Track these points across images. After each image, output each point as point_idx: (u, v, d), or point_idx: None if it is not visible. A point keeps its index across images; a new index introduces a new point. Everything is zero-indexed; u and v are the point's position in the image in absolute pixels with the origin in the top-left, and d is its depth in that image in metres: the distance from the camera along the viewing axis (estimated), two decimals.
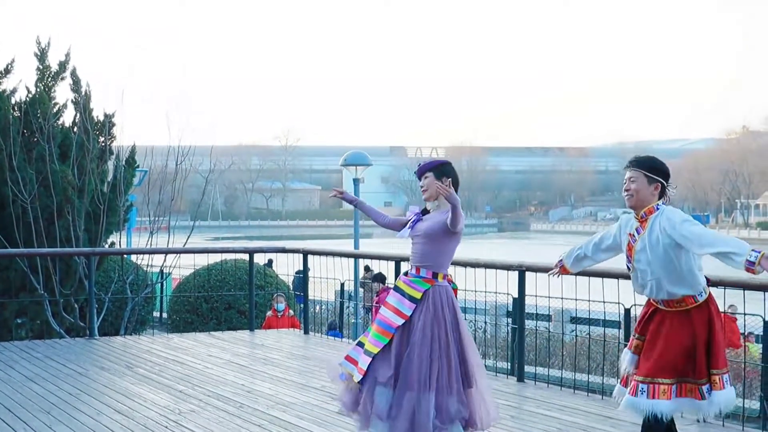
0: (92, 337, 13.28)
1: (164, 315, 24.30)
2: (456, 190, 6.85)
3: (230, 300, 19.47)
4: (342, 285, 17.09)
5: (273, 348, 12.27)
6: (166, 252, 17.16)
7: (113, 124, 18.00)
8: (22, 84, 17.35)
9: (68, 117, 17.81)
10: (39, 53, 17.51)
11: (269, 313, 17.68)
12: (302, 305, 14.55)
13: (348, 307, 21.33)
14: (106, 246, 17.58)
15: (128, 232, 24.29)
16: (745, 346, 15.00)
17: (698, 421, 7.66)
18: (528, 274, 9.74)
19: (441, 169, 7.06)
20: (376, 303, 16.92)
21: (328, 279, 14.21)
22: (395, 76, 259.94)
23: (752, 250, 5.56)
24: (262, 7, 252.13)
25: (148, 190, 19.22)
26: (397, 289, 6.94)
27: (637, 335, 6.19)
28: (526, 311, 10.03)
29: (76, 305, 16.51)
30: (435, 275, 6.87)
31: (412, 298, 6.81)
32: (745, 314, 8.91)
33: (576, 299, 9.29)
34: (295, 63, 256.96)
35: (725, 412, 6.03)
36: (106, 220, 17.28)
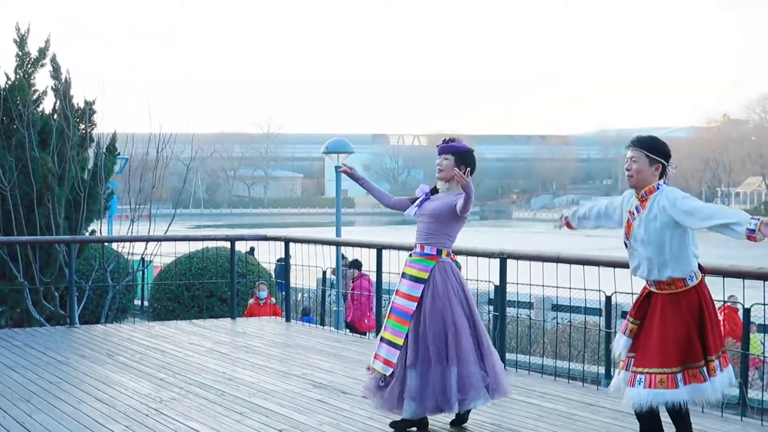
0: (73, 325, 13.24)
1: (145, 303, 24.24)
2: (472, 173, 6.98)
3: (212, 288, 19.44)
4: (324, 273, 17.09)
5: (254, 336, 12.26)
6: (147, 240, 17.11)
7: (93, 112, 17.92)
8: (1, 71, 17.25)
9: (48, 104, 17.74)
10: (18, 40, 17.39)
11: (251, 300, 17.66)
12: (284, 293, 14.53)
13: (330, 294, 21.32)
14: (87, 234, 17.52)
15: (109, 220, 24.25)
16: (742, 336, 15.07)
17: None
18: (509, 262, 9.74)
19: (463, 157, 7.21)
20: (352, 290, 16.95)
21: (310, 267, 14.19)
22: (377, 64, 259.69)
23: (751, 218, 5.63)
24: None
25: (129, 178, 19.17)
26: (404, 275, 7.20)
27: (631, 319, 6.21)
28: (508, 299, 10.04)
29: (56, 293, 16.46)
30: (439, 252, 7.12)
31: (419, 279, 7.06)
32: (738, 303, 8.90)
33: (557, 287, 9.30)
34: (277, 51, 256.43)
35: (726, 396, 6.06)
36: (87, 207, 17.21)
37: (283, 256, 14.26)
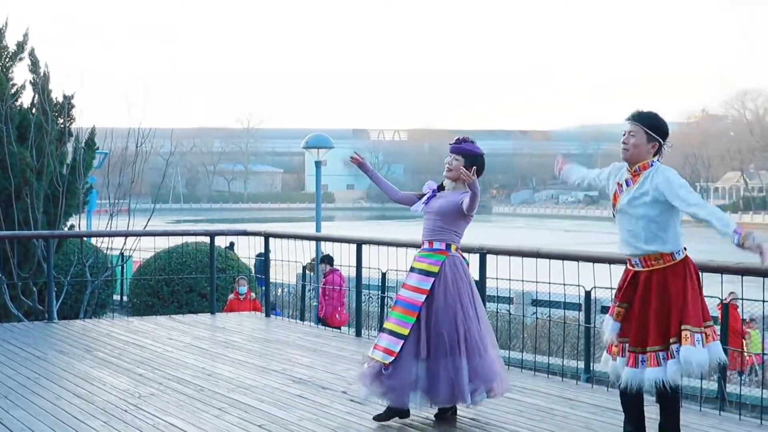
0: (51, 320, 13.19)
1: (124, 298, 24.18)
2: (480, 175, 7.09)
3: (191, 283, 19.40)
4: (304, 268, 17.08)
5: (234, 331, 12.23)
6: (126, 235, 17.06)
7: (72, 106, 17.84)
8: None
9: (26, 98, 17.66)
10: None
11: (231, 296, 17.63)
12: (264, 288, 14.51)
13: (310, 290, 21.29)
14: (66, 229, 17.45)
15: (88, 215, 24.13)
16: (746, 332, 15.14)
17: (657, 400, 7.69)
18: (489, 257, 9.75)
19: (473, 160, 7.32)
20: (324, 284, 16.95)
21: (290, 262, 14.17)
22: (357, 59, 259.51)
23: (735, 231, 5.65)
24: None
25: (108, 173, 19.11)
26: (413, 269, 7.29)
27: (618, 302, 6.21)
28: (487, 294, 10.04)
29: (34, 288, 16.37)
30: (448, 246, 7.22)
31: (429, 273, 7.15)
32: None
33: (537, 282, 9.31)
34: (258, 46, 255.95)
35: (698, 371, 6.03)
36: (66, 202, 17.14)
37: (262, 251, 14.24)
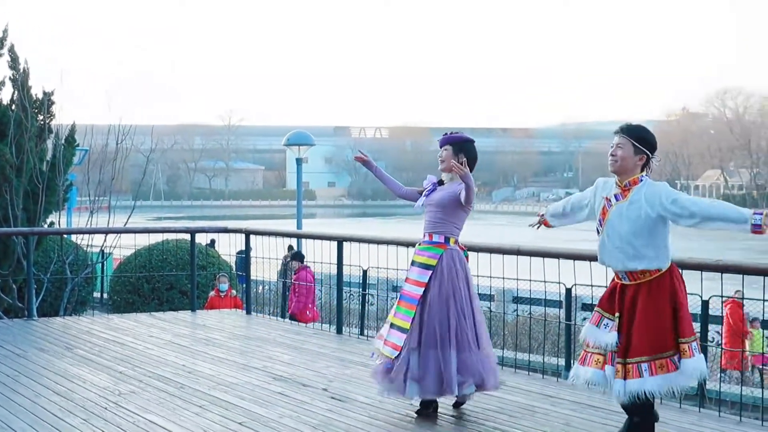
0: (31, 317, 13.13)
1: (105, 295, 24.09)
2: (473, 168, 7.20)
3: (172, 280, 19.34)
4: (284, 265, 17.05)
5: (215, 328, 12.20)
6: (107, 232, 17.00)
7: (52, 102, 17.77)
8: None
9: (6, 94, 17.57)
10: None
11: (212, 293, 17.58)
12: (245, 285, 14.47)
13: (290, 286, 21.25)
14: (45, 226, 17.38)
15: (68, 212, 24.06)
16: (748, 331, 15.15)
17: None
18: (470, 254, 9.72)
19: (461, 146, 7.39)
20: (295, 280, 16.96)
21: (271, 259, 14.14)
22: (339, 57, 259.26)
23: (754, 213, 5.72)
24: None
25: (88, 170, 19.04)
26: (414, 263, 7.41)
27: (607, 314, 6.19)
28: None
29: (14, 286, 16.31)
30: (447, 239, 7.30)
31: (427, 266, 7.25)
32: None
33: (517, 279, 9.32)
34: (240, 43, 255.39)
35: (699, 380, 6.09)
36: (45, 199, 17.07)
37: (243, 248, 14.21)
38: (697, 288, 8.01)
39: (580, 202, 6.56)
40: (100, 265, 21.24)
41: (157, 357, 9.98)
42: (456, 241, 7.37)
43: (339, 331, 11.77)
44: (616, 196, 6.14)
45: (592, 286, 8.68)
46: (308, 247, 18.56)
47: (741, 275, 7.26)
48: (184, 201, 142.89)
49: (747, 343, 17.56)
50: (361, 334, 12.00)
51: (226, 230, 14.60)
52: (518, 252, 9.07)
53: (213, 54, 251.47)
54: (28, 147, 16.70)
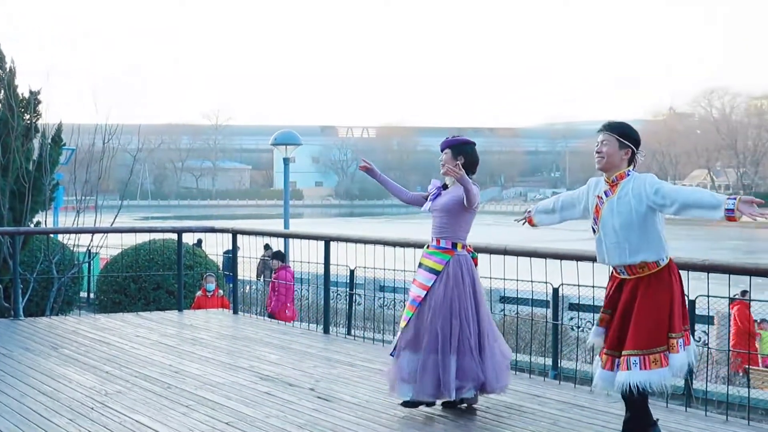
0: (17, 317, 13.09)
1: (91, 295, 24.03)
2: (474, 170, 7.38)
3: (159, 280, 19.29)
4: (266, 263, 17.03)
5: (201, 328, 12.19)
6: (93, 231, 16.96)
7: (39, 102, 17.71)
8: None
9: None
10: None
11: (199, 293, 17.55)
12: (232, 285, 14.45)
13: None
14: (32, 225, 17.32)
15: (55, 212, 24.01)
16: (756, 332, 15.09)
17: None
18: None
19: (458, 148, 7.48)
20: (275, 279, 16.98)
21: (258, 259, 14.13)
22: (326, 57, 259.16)
23: (728, 198, 5.75)
24: None
25: (74, 169, 19.00)
26: (421, 265, 7.47)
27: (603, 309, 6.29)
28: None
29: (0, 285, 16.25)
30: (455, 245, 7.36)
31: (433, 270, 7.31)
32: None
33: (504, 279, 9.32)
34: (227, 42, 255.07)
35: (682, 375, 6.17)
36: (32, 199, 17.02)
37: (230, 248, 14.19)
38: (684, 288, 8.03)
39: (571, 201, 6.61)
40: (87, 264, 21.20)
41: (143, 357, 9.96)
42: (464, 246, 7.44)
43: (326, 330, 11.76)
44: (605, 192, 6.21)
45: (578, 286, 8.69)
46: (295, 247, 18.57)
47: (727, 275, 7.28)
48: (171, 200, 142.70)
49: (758, 344, 17.49)
50: (348, 333, 12.01)
51: (213, 230, 14.58)
52: (505, 252, 9.07)
53: (200, 53, 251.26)
54: (14, 146, 16.64)
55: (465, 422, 7.18)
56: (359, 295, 19.17)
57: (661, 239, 6.09)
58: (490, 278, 9.57)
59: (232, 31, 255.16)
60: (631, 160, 6.21)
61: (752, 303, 15.80)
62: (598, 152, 6.21)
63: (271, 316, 16.34)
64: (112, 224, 17.28)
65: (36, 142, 17.90)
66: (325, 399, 7.87)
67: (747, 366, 16.01)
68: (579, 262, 8.36)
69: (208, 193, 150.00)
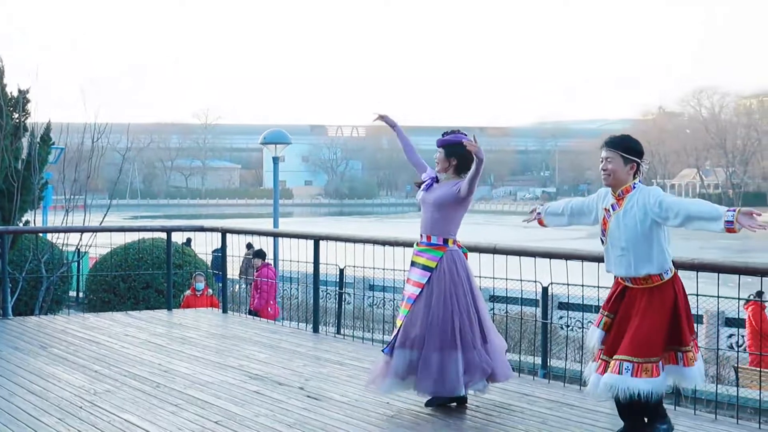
0: (6, 317, 13.05)
1: (80, 294, 23.98)
2: (468, 166, 7.27)
3: (148, 279, 19.26)
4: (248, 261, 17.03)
5: (191, 327, 12.17)
6: (82, 230, 16.92)
7: (27, 101, 17.67)
8: None
9: None
10: None
11: (188, 292, 17.52)
12: (221, 284, 14.44)
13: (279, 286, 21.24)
14: (21, 224, 17.28)
15: (44, 211, 23.96)
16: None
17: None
18: None
19: (452, 149, 7.44)
20: (257, 277, 17.00)
21: (241, 257, 14.12)
22: (315, 56, 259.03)
23: (728, 210, 5.79)
24: None
25: (63, 168, 18.96)
26: (414, 264, 7.45)
27: (606, 312, 6.32)
28: None
29: None
30: (446, 241, 7.35)
31: (427, 267, 7.30)
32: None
33: (494, 278, 9.32)
34: (216, 41, 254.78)
35: (699, 386, 6.22)
36: (21, 198, 16.98)
37: (219, 247, 14.17)
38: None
39: (582, 208, 6.62)
40: (76, 264, 21.16)
41: (132, 356, 9.95)
42: (455, 241, 7.43)
43: (315, 329, 11.75)
44: (612, 206, 6.26)
45: (568, 284, 8.70)
46: (285, 246, 18.58)
47: (716, 274, 7.29)
48: (160, 200, 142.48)
49: None
50: (338, 332, 12.00)
51: (202, 229, 14.56)
52: (494, 250, 9.07)
53: (189, 52, 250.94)
54: (3, 145, 16.61)
55: (454, 421, 7.19)
56: (349, 294, 19.18)
57: (665, 252, 6.13)
58: (480, 277, 9.56)
59: (223, 30, 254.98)
60: (637, 173, 6.22)
61: (721, 300, 15.76)
62: (604, 170, 6.23)
63: (254, 313, 16.36)
64: (101, 223, 17.24)
65: (25, 141, 17.86)
66: (314, 398, 7.87)
67: (736, 365, 16.01)
68: (568, 261, 8.37)
69: (198, 192, 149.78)
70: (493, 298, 19.56)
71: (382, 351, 7.41)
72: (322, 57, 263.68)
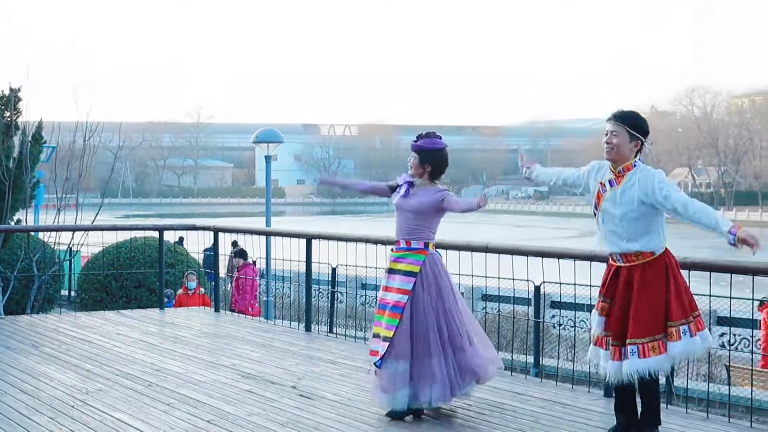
0: None
1: (72, 293, 23.95)
2: (442, 172, 7.28)
3: (140, 278, 19.24)
4: (254, 263, 17.02)
5: (183, 326, 12.16)
6: (74, 229, 16.90)
7: (19, 99, 17.64)
8: None
9: None
10: None
11: (180, 291, 17.51)
12: (213, 283, 14.42)
13: (260, 285, 21.22)
14: (12, 223, 17.25)
15: (35, 209, 23.91)
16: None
17: (605, 394, 7.75)
18: (439, 251, 9.72)
19: (425, 156, 7.31)
20: (237, 278, 16.99)
21: (227, 256, 14.11)
22: (308, 54, 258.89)
23: (730, 231, 5.74)
24: None
25: (55, 167, 18.94)
26: (392, 271, 7.27)
27: (602, 297, 6.30)
28: None
29: None
30: (426, 245, 7.24)
31: (411, 273, 7.16)
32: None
33: (486, 276, 9.32)
34: (209, 40, 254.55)
35: (684, 361, 6.27)
36: (12, 197, 16.95)
37: (211, 246, 14.16)
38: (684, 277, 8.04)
39: (573, 180, 6.53)
40: (68, 262, 21.14)
41: (125, 355, 9.94)
42: (433, 246, 7.36)
43: (308, 328, 11.75)
44: (610, 182, 6.20)
45: (560, 283, 8.70)
46: (277, 245, 18.58)
47: (708, 272, 7.30)
48: (152, 199, 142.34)
49: None
50: (330, 331, 11.99)
51: (194, 228, 14.54)
52: (487, 249, 9.07)
53: (182, 51, 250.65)
54: None
55: (447, 420, 7.18)
56: (341, 293, 19.16)
57: (660, 233, 6.12)
58: (472, 276, 9.58)
59: (215, 29, 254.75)
60: (639, 151, 6.18)
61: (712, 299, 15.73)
62: (607, 143, 6.15)
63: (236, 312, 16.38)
64: (93, 222, 17.23)
65: (16, 140, 17.83)
66: (307, 397, 7.87)
67: (728, 364, 16.03)
68: (560, 260, 8.37)
69: (190, 191, 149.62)
70: (486, 297, 19.60)
71: (375, 364, 7.17)
72: (314, 56, 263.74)
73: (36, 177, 18.31)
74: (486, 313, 13.81)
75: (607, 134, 6.18)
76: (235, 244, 21.85)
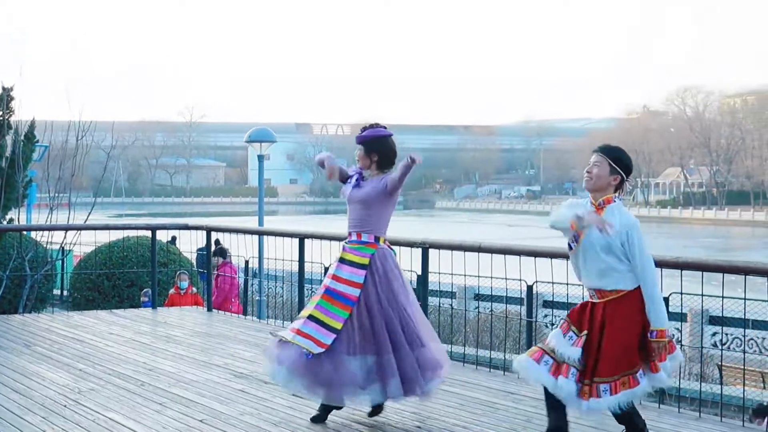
0: None
1: (65, 293, 23.92)
2: (391, 161, 7.15)
3: (133, 277, 19.22)
4: (246, 262, 17.00)
5: (175, 326, 12.15)
6: (67, 228, 16.88)
7: (11, 98, 17.62)
8: None
9: None
10: None
11: (172, 290, 17.49)
12: (205, 282, 14.41)
13: (252, 284, 21.21)
14: (5, 222, 17.23)
15: (28, 209, 23.87)
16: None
17: None
18: (431, 251, 9.75)
19: (371, 145, 7.22)
20: (216, 277, 16.97)
21: (232, 256, 14.10)
22: (301, 54, 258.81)
23: (664, 336, 5.92)
24: None
25: (48, 166, 18.92)
26: (343, 260, 7.12)
27: (576, 330, 6.11)
28: (430, 288, 10.04)
29: None
30: (377, 239, 7.11)
31: (361, 266, 7.02)
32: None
33: (479, 276, 9.33)
34: (202, 39, 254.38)
35: (663, 387, 6.19)
36: (5, 196, 16.94)
37: (204, 245, 14.14)
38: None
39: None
40: (60, 262, 21.11)
41: (117, 354, 9.93)
42: (385, 240, 7.20)
43: None
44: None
45: (553, 283, 8.71)
46: (270, 244, 18.56)
47: (700, 272, 7.31)
48: (145, 198, 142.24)
49: None
50: None
51: (187, 227, 14.52)
52: (479, 249, 9.08)
53: (175, 50, 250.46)
54: None
55: (439, 419, 7.18)
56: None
57: (629, 270, 6.04)
58: (465, 275, 9.58)
59: (207, 28, 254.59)
60: (619, 187, 6.16)
61: (705, 299, 15.77)
62: (588, 172, 6.14)
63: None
64: (85, 221, 17.22)
65: (9, 139, 17.81)
66: (299, 396, 7.84)
67: (720, 363, 16.09)
68: (553, 260, 8.37)
69: (183, 190, 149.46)
70: (478, 297, 19.61)
71: (306, 356, 6.83)
72: (307, 55, 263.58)
73: (28, 176, 18.30)
74: (479, 312, 13.83)
75: (589, 165, 6.18)
76: (217, 242, 21.84)
